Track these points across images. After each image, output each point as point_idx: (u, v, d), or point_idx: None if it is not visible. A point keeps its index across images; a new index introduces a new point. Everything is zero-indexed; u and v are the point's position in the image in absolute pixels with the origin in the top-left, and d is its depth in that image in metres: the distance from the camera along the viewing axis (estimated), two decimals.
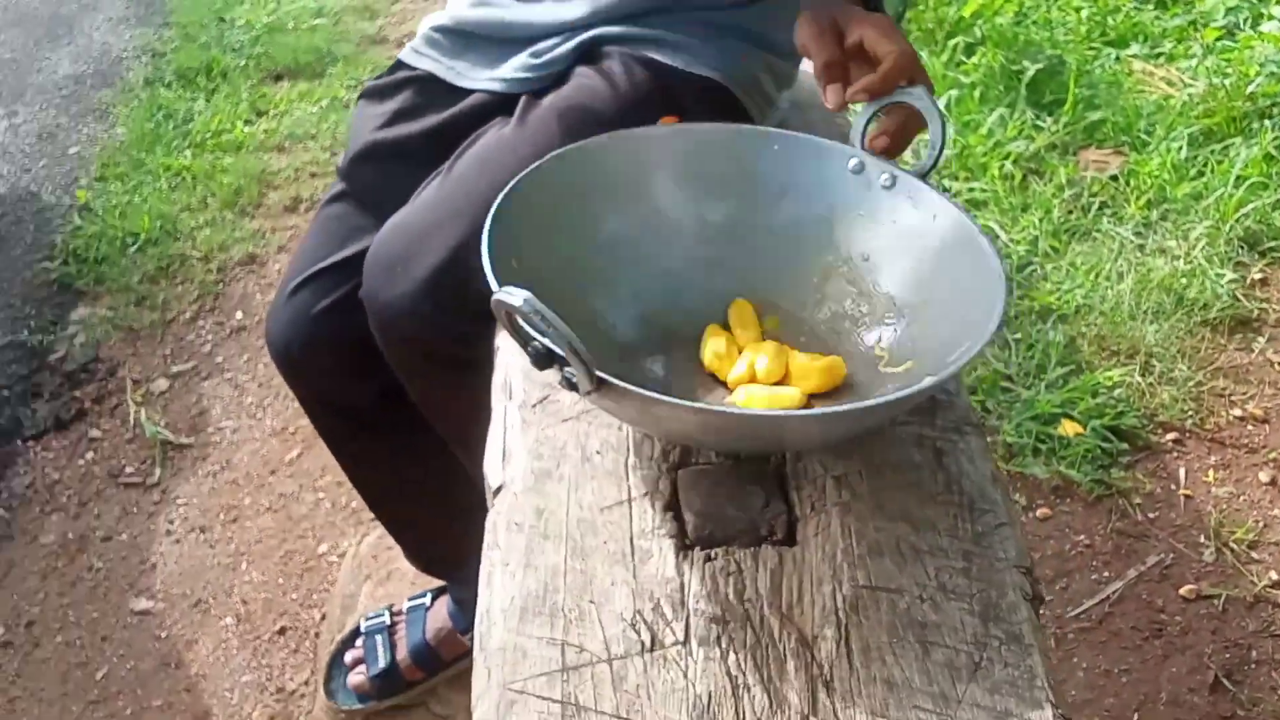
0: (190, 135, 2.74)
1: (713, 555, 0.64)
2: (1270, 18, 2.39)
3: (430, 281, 0.83)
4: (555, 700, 0.57)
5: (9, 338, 2.22)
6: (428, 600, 1.37)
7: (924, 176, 0.75)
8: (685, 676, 0.58)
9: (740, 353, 0.76)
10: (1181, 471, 1.67)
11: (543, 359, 0.63)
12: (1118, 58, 2.65)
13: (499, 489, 0.70)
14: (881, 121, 0.77)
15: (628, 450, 0.71)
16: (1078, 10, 2.70)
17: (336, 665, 1.38)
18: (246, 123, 2.80)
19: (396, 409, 1.07)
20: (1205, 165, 2.18)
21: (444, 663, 1.33)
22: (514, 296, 0.61)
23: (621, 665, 0.58)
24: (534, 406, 0.75)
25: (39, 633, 1.71)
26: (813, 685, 0.57)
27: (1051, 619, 1.51)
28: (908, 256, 0.75)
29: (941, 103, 2.42)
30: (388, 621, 1.37)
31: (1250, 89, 2.25)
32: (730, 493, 0.68)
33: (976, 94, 2.47)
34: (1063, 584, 1.55)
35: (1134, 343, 1.86)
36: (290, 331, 1.02)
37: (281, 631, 1.67)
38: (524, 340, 0.64)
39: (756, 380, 0.74)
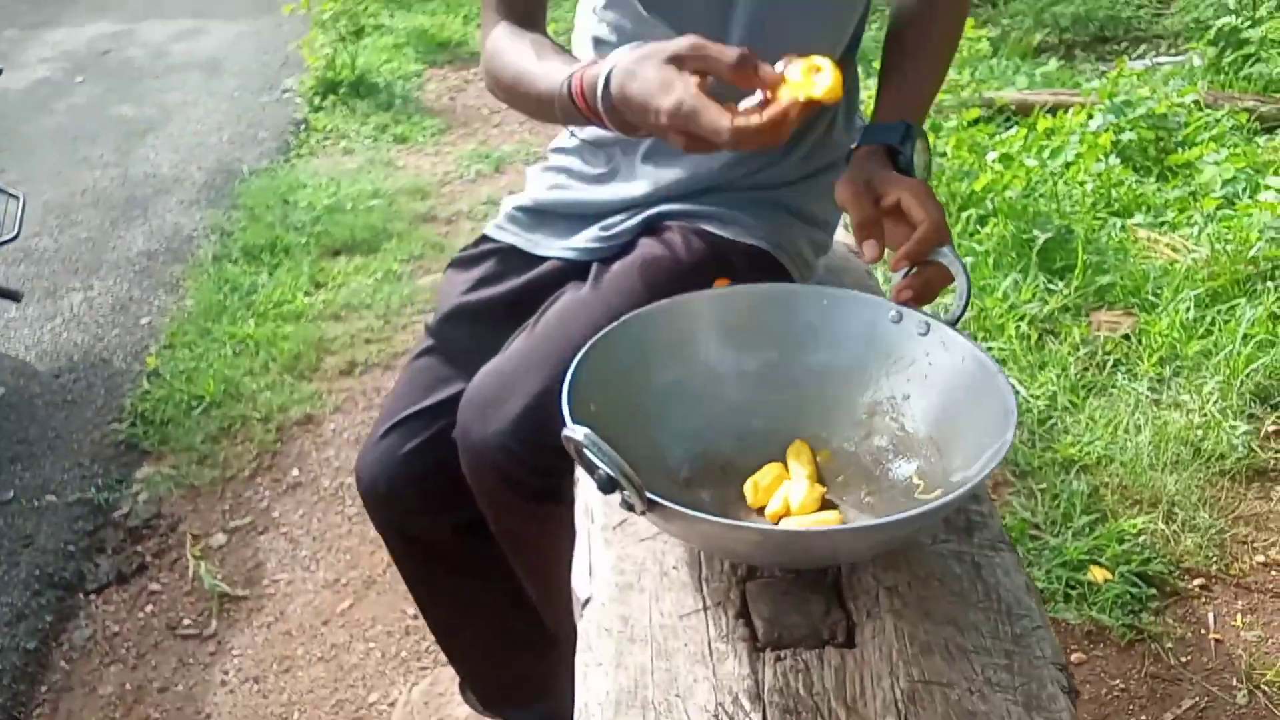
0: (254, 306, 2.94)
1: (782, 655, 0.72)
2: (1267, 188, 2.56)
3: (519, 421, 0.95)
4: None
5: (77, 495, 2.34)
6: None
7: (953, 324, 0.87)
8: None
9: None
10: (1210, 616, 1.72)
11: (606, 484, 0.73)
12: (1123, 226, 2.82)
13: (587, 600, 0.79)
14: (909, 278, 0.90)
15: (700, 565, 0.80)
16: (1082, 184, 2.90)
17: None
18: (306, 294, 3.00)
19: (471, 544, 1.17)
20: (1213, 324, 2.31)
21: None
22: (577, 432, 0.73)
23: None
24: (614, 528, 0.85)
25: None
26: None
27: None
28: (940, 396, 0.86)
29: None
30: None
31: (1252, 253, 2.40)
32: (794, 602, 0.76)
33: (990, 261, 2.63)
34: None
35: (1155, 492, 1.93)
36: (379, 469, 1.13)
37: None
38: (591, 469, 0.74)
39: (791, 513, 0.84)
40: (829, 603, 0.76)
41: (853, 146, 0.99)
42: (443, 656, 1.89)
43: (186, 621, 2.03)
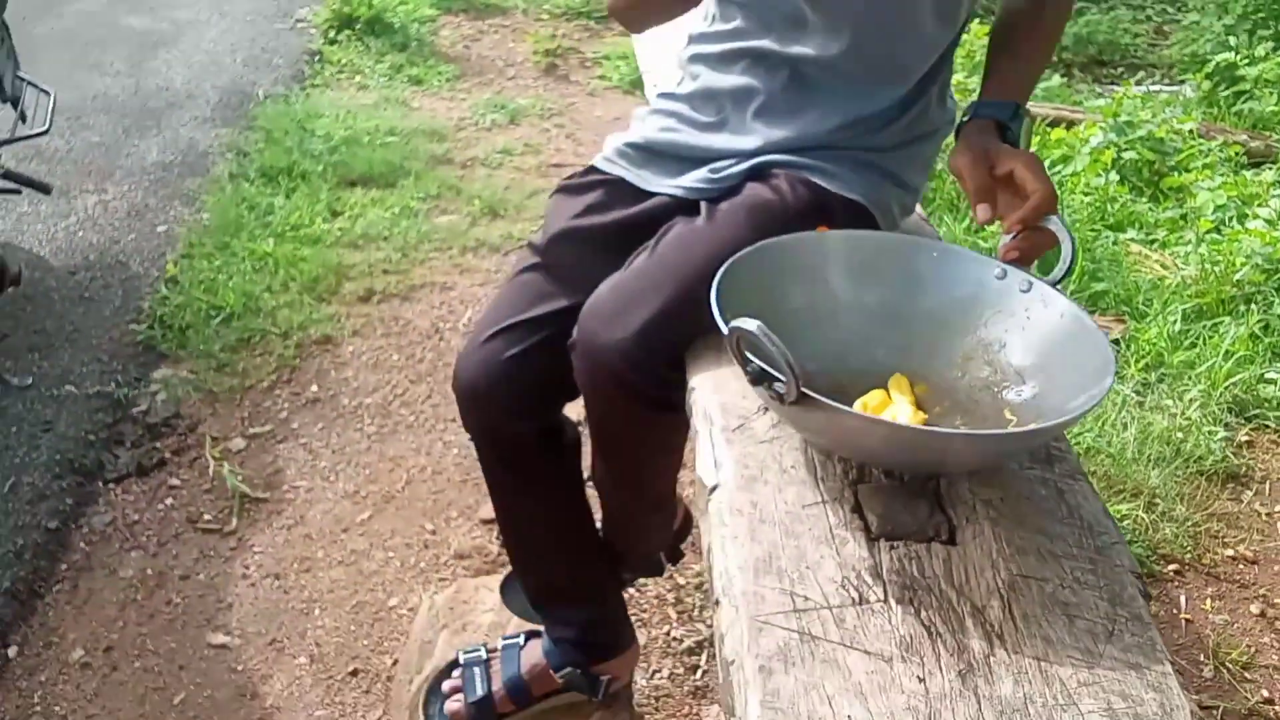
0: (271, 226, 2.97)
1: (895, 545, 0.83)
2: (1256, 216, 2.72)
3: (642, 331, 1.04)
4: (793, 630, 0.74)
5: (96, 388, 2.37)
6: (521, 640, 1.51)
7: (1055, 284, 0.98)
8: (890, 623, 0.76)
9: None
10: (1183, 598, 1.87)
11: (758, 376, 0.83)
12: (1115, 240, 2.97)
13: (715, 487, 0.89)
14: (1016, 240, 1.00)
15: (814, 467, 0.90)
16: (1084, 194, 3.04)
17: (434, 692, 1.51)
18: (324, 220, 3.04)
19: (550, 449, 1.26)
20: (1198, 338, 2.46)
21: (534, 698, 1.47)
22: (749, 324, 0.81)
23: (840, 612, 0.76)
24: (734, 430, 0.95)
25: (117, 658, 1.81)
26: (988, 637, 0.75)
27: None
28: (1037, 343, 0.97)
29: None
30: (484, 656, 1.51)
31: (1238, 276, 2.56)
32: (903, 504, 0.87)
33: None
34: None
35: (1138, 483, 2.08)
36: (479, 372, 1.21)
37: (354, 673, 1.79)
38: (744, 361, 0.84)
39: None
40: (932, 508, 0.87)
41: (965, 119, 1.10)
42: (463, 569, 1.99)
43: (207, 516, 2.09)
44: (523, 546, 1.37)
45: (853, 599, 0.77)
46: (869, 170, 1.19)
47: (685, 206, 1.19)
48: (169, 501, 2.14)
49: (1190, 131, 3.42)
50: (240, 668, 1.80)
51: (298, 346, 2.54)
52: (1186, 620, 1.83)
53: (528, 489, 1.29)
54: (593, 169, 1.28)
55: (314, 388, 2.44)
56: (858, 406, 0.95)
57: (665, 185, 1.22)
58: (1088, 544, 0.84)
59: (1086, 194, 3.05)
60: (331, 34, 4.54)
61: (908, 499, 0.87)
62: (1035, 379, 0.95)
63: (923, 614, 0.76)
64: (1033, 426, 0.81)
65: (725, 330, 0.85)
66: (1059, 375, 0.93)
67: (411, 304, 2.73)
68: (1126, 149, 3.21)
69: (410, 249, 2.95)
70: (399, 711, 1.65)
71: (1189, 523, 2.00)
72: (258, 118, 3.67)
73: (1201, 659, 1.76)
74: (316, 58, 4.38)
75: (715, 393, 1.00)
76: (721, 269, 0.95)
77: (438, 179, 3.35)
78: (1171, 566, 1.93)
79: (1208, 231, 2.81)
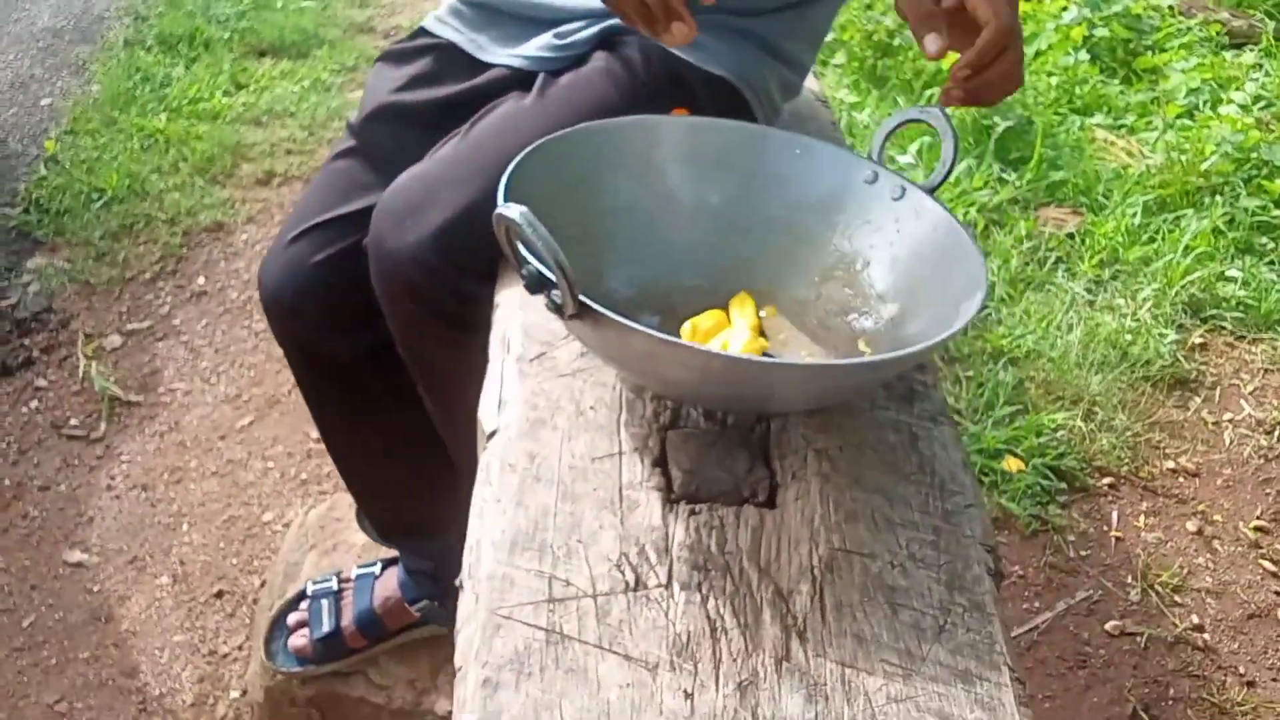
0: (167, 100, 2.73)
1: (697, 510, 0.67)
2: (1230, 102, 2.51)
3: (439, 234, 0.85)
4: (541, 628, 0.59)
5: None
6: (377, 569, 1.37)
7: (932, 191, 0.79)
8: (666, 616, 0.60)
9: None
10: (1115, 514, 1.74)
11: (535, 282, 0.65)
12: (1082, 125, 2.76)
13: (493, 433, 0.72)
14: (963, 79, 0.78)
15: (620, 408, 0.74)
16: (1049, 75, 2.81)
17: (279, 626, 1.37)
18: (225, 94, 2.79)
19: (379, 368, 1.09)
20: (1157, 232, 2.29)
21: (388, 632, 1.34)
22: (512, 210, 0.63)
23: (606, 601, 0.61)
24: (531, 360, 0.78)
25: None
26: (787, 634, 0.60)
27: None
28: (905, 261, 0.79)
29: (915, 148, 2.50)
30: (335, 587, 1.37)
31: (1205, 165, 2.36)
32: (717, 456, 0.71)
33: None
34: None
35: (1078, 390, 1.93)
36: (284, 279, 1.03)
37: (219, 595, 1.66)
38: (520, 262, 0.66)
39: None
40: (753, 460, 0.71)
41: None
42: (343, 482, 1.84)
43: (74, 422, 1.93)
44: (359, 477, 1.21)
45: (626, 583, 0.62)
46: (740, 39, 0.99)
47: (524, 81, 0.99)
48: (33, 405, 1.97)
49: (1170, 8, 3.17)
50: (97, 588, 1.67)
51: (185, 234, 2.34)
52: (1117, 538, 1.71)
53: (357, 413, 1.13)
54: (423, 31, 1.08)
55: (200, 280, 2.25)
56: (687, 329, 0.78)
57: (502, 55, 1.02)
58: (935, 507, 0.68)
59: (1052, 74, 2.82)
60: None
61: (725, 449, 0.71)
62: (897, 305, 0.78)
63: (711, 603, 0.61)
64: (871, 359, 0.64)
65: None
66: (924, 299, 0.76)
67: None
68: (1100, 25, 2.96)
69: (318, 127, 2.72)
70: (260, 639, 1.52)
71: (1129, 433, 1.86)
72: None
73: (1129, 580, 1.64)
74: None
75: (520, 310, 0.82)
76: (523, 152, 0.76)
77: (356, 49, 3.08)
78: (1106, 480, 1.80)
79: (1178, 117, 2.60)
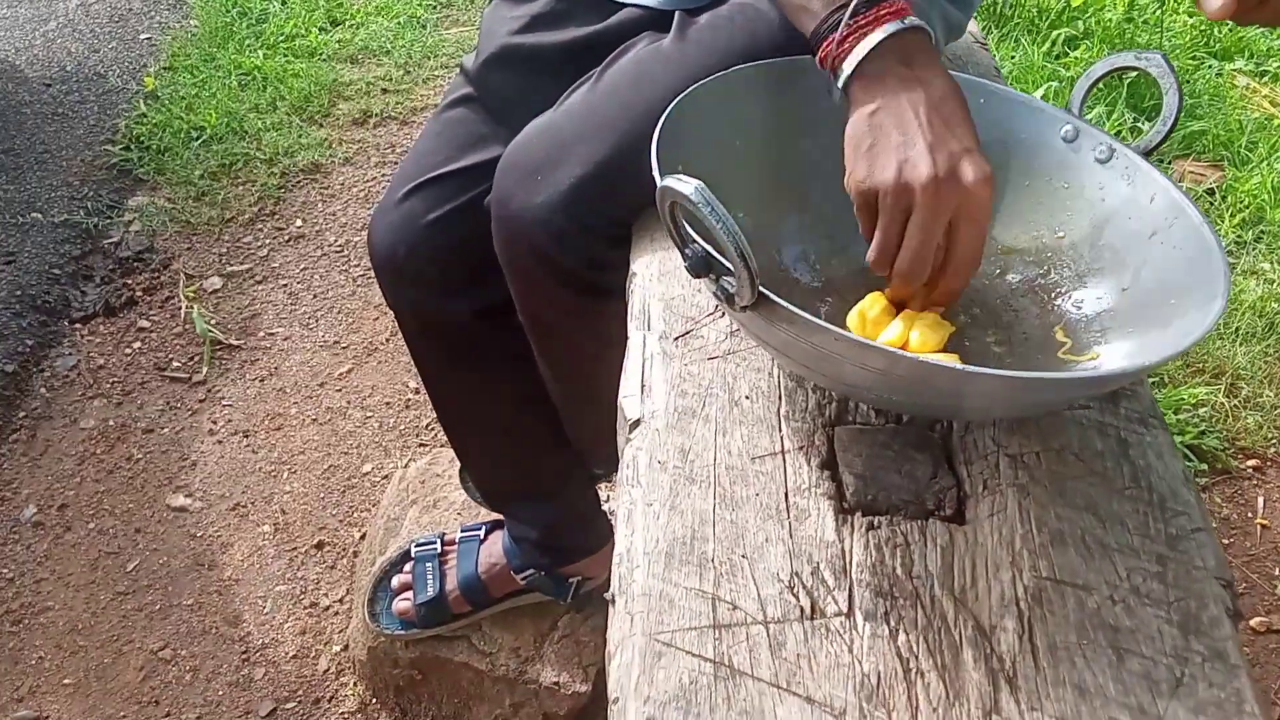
0: (264, 36, 2.68)
1: (876, 524, 0.59)
2: None
3: (571, 194, 0.77)
4: (707, 658, 0.52)
5: (64, 216, 2.18)
6: (481, 533, 1.33)
7: (1147, 154, 0.68)
8: (850, 651, 0.53)
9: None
10: (1260, 500, 1.61)
11: (700, 264, 0.57)
12: (1221, 71, 2.55)
13: (637, 422, 0.65)
14: None
15: (779, 398, 0.66)
16: (1189, 14, 2.60)
17: (382, 588, 1.34)
18: (321, 30, 2.73)
19: (493, 330, 1.02)
20: None
21: (492, 599, 1.29)
22: (685, 184, 0.54)
23: (779, 630, 0.53)
24: (676, 340, 0.70)
25: (71, 517, 1.68)
26: (994, 679, 0.52)
27: None
28: (1111, 239, 0.68)
29: (1040, 93, 2.34)
30: (439, 549, 1.33)
31: None
32: (894, 458, 0.62)
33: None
34: None
35: (1221, 363, 1.79)
36: (397, 237, 0.96)
37: (319, 546, 1.63)
38: (684, 241, 0.58)
39: (909, 349, 0.68)
40: (936, 464, 0.62)
41: None
42: (449, 442, 1.80)
43: (175, 364, 1.92)
44: (466, 440, 1.15)
45: (802, 609, 0.54)
46: None
47: (659, 21, 0.90)
48: (136, 345, 1.96)
49: None
50: (199, 534, 1.66)
51: (283, 175, 2.30)
52: (1262, 526, 1.58)
53: (469, 377, 1.06)
54: None
55: (299, 222, 2.21)
56: (854, 315, 0.69)
57: None
58: (1156, 531, 0.59)
59: (1191, 14, 2.60)
60: None
61: (901, 451, 0.62)
62: (1103, 287, 0.68)
63: (901, 638, 0.53)
64: (1102, 371, 0.54)
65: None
66: (1140, 286, 0.65)
67: (411, 129, 2.46)
68: None
69: (414, 65, 2.65)
70: (361, 594, 1.49)
71: (1277, 411, 1.72)
72: None
73: (1276, 573, 1.52)
74: None
75: (660, 282, 0.74)
76: (672, 104, 0.68)
77: None
78: (1251, 462, 1.66)
79: None
